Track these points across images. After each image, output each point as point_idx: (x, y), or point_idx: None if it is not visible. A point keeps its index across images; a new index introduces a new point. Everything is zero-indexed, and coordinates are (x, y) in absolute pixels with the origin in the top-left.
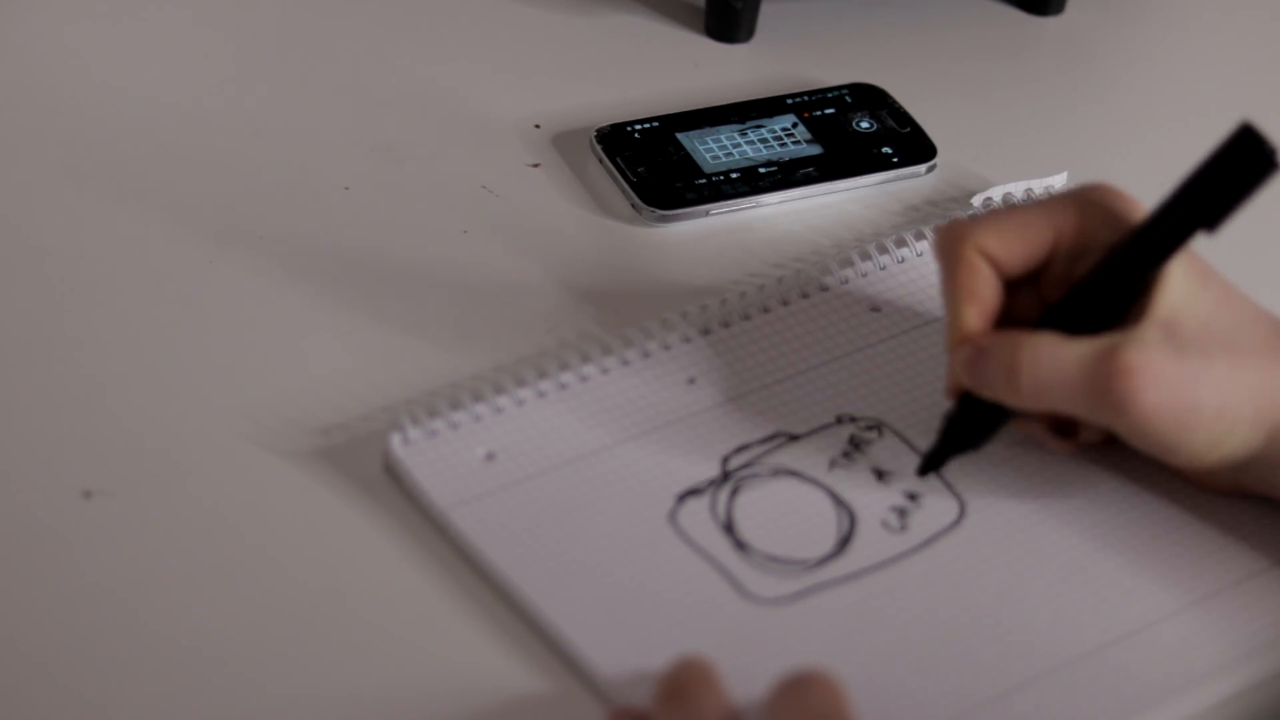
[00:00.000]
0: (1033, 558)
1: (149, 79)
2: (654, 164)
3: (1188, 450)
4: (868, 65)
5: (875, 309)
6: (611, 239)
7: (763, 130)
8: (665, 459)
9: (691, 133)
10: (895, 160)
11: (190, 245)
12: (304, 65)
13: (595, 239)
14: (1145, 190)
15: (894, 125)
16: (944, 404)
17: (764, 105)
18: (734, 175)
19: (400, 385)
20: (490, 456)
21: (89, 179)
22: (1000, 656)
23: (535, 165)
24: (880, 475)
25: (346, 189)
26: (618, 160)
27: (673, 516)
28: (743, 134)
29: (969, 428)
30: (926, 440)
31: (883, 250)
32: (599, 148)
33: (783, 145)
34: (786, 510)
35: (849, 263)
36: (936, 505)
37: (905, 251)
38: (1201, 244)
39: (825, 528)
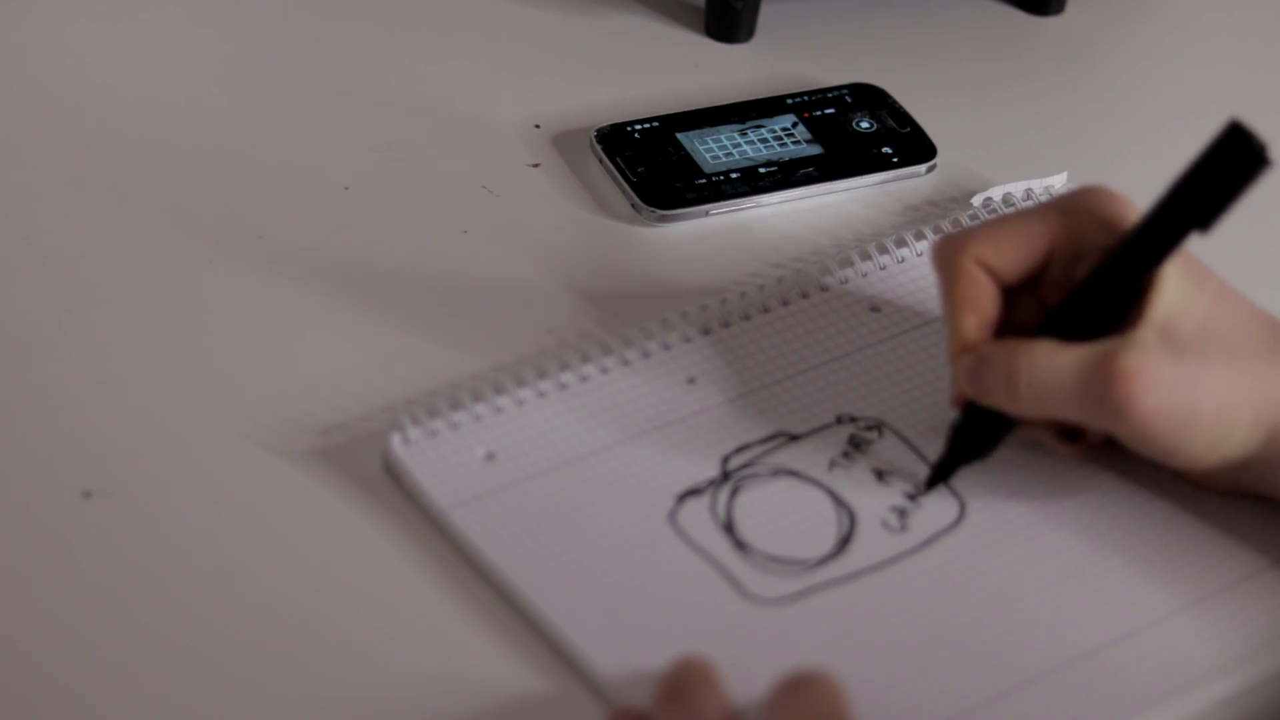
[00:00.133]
0: (1032, 558)
1: (149, 79)
2: (654, 164)
3: (1187, 453)
4: (868, 65)
5: (875, 309)
6: (611, 239)
7: (763, 130)
8: (665, 459)
9: (691, 133)
10: (895, 160)
11: (190, 245)
12: (304, 66)
13: (595, 239)
14: (1145, 190)
15: (894, 125)
16: (944, 403)
17: (764, 105)
18: (734, 175)
19: (400, 385)
20: (490, 456)
21: (89, 179)
22: (1000, 656)
23: (535, 165)
24: (880, 475)
25: (346, 189)
26: (618, 160)
27: (673, 516)
28: (743, 134)
29: (975, 437)
30: (927, 440)
31: (883, 250)
32: (599, 148)
33: (783, 145)
34: (786, 510)
35: (849, 263)
36: (936, 505)
37: (905, 251)
38: (1201, 246)
39: (825, 528)
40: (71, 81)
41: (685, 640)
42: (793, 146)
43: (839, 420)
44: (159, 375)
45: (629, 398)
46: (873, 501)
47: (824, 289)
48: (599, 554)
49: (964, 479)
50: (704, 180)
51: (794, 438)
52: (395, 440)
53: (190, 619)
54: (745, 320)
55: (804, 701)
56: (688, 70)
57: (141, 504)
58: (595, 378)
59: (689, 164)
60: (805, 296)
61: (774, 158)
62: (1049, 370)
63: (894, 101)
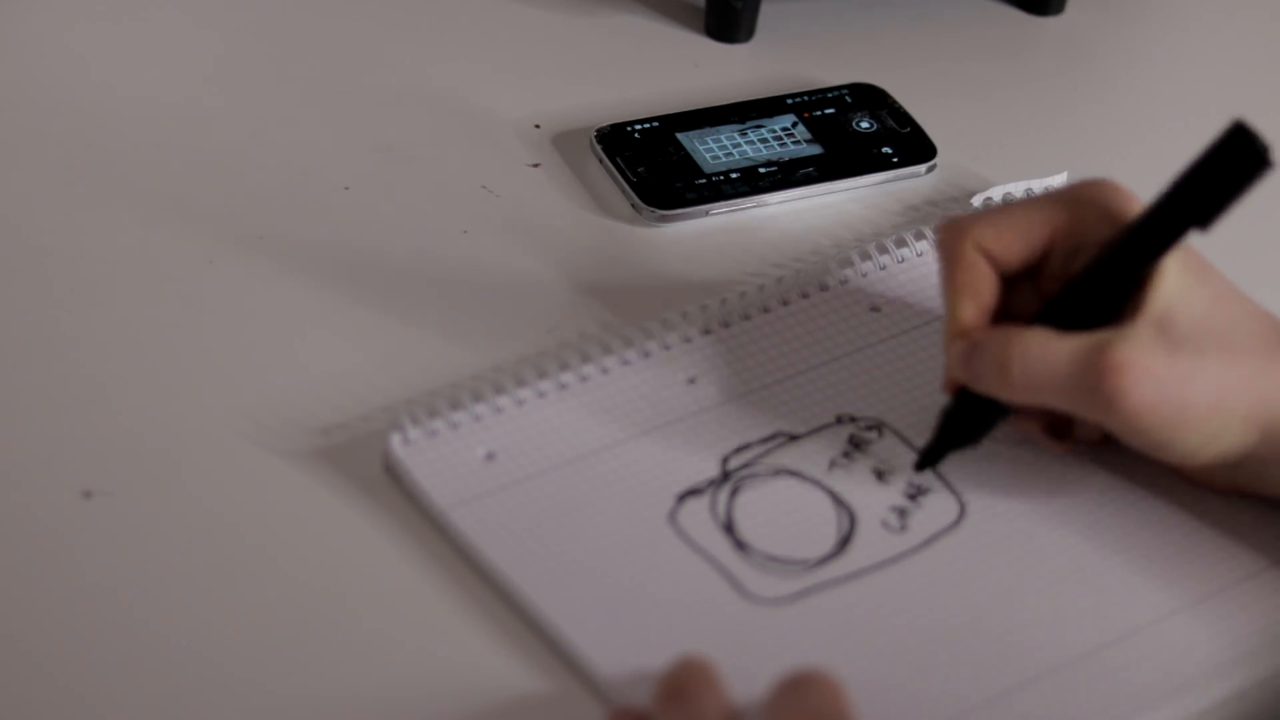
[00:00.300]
0: (1033, 558)
1: (149, 79)
2: (654, 164)
3: (1180, 448)
4: (868, 65)
5: (875, 309)
6: (611, 239)
7: (763, 130)
8: (665, 459)
9: (691, 133)
10: (895, 160)
11: (190, 245)
12: (304, 65)
13: (595, 239)
14: (1145, 190)
15: (894, 125)
16: (944, 403)
17: (764, 105)
18: (734, 175)
19: (400, 385)
20: (490, 456)
21: (89, 179)
22: (1000, 656)
23: (535, 165)
24: (880, 475)
25: (346, 189)
26: (618, 160)
27: (673, 516)
28: (743, 134)
29: (966, 423)
30: (926, 440)
31: (883, 250)
32: (599, 148)
33: (783, 145)
34: (786, 510)
35: (849, 263)
36: (936, 505)
37: (905, 251)
38: (1203, 243)
39: (825, 528)
40: (71, 81)
41: (685, 640)
42: (793, 146)
43: (839, 420)
44: (159, 375)
45: (629, 398)
46: (873, 501)
47: (824, 289)
48: (599, 554)
49: (964, 479)
50: (704, 180)
51: (794, 438)
52: (395, 440)
53: (190, 619)
54: (745, 320)
55: (804, 701)
56: (688, 70)
57: (141, 504)
58: (595, 378)
59: (689, 164)
60: (805, 296)
61: (774, 158)
62: (1042, 358)
63: (894, 101)
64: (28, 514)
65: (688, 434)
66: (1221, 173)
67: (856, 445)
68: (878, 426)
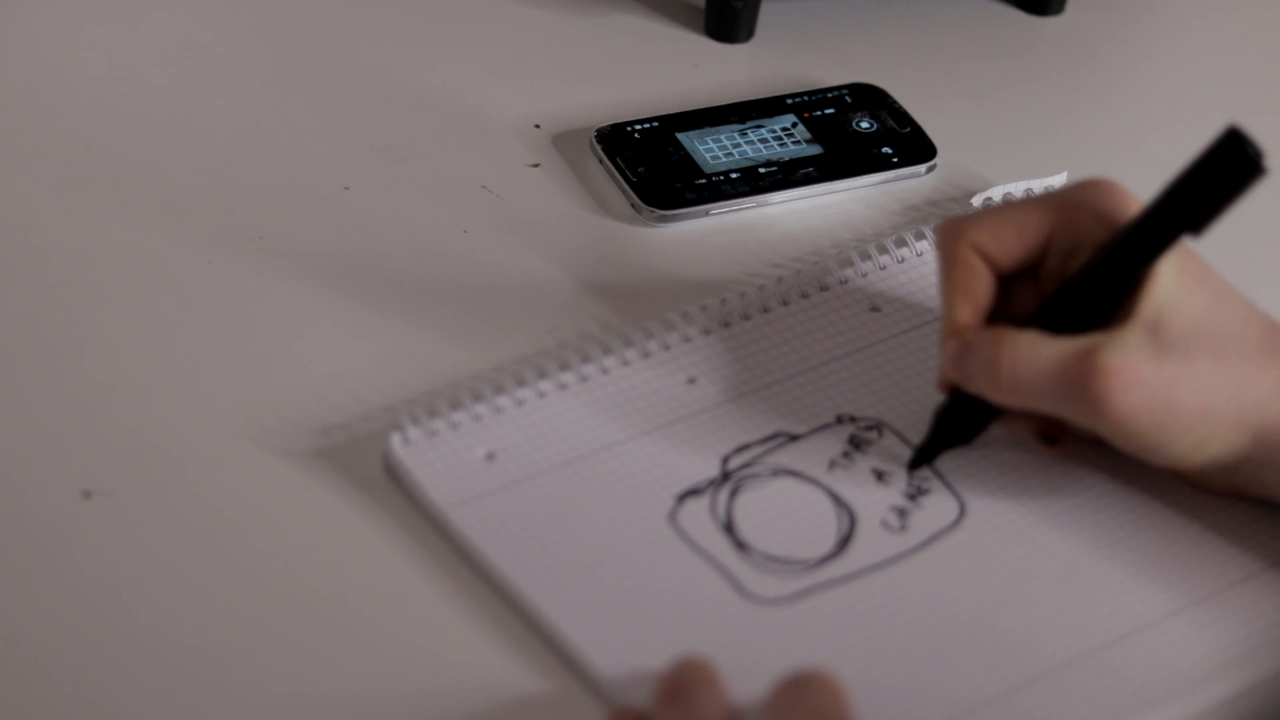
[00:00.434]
0: (1032, 558)
1: (149, 79)
2: (654, 164)
3: (1169, 452)
4: (868, 65)
5: (875, 309)
6: (611, 239)
7: (763, 130)
8: (665, 459)
9: (691, 133)
10: (895, 160)
11: (190, 245)
12: (304, 65)
13: (595, 239)
14: (1144, 191)
15: (894, 125)
16: (939, 402)
17: (764, 105)
18: (734, 175)
19: (400, 385)
20: (490, 456)
21: (89, 179)
22: (1000, 656)
23: (535, 165)
24: (880, 475)
25: (346, 189)
26: (618, 160)
27: (673, 516)
28: (743, 134)
29: (959, 422)
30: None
31: (883, 250)
32: (599, 148)
33: (783, 145)
34: (786, 510)
35: (849, 263)
36: (936, 505)
37: (905, 251)
38: (1205, 243)
39: (825, 528)
40: (72, 81)
41: (685, 640)
42: (793, 146)
43: (839, 420)
44: (159, 375)
45: (629, 398)
46: (873, 501)
47: (824, 289)
48: (599, 554)
49: (964, 479)
50: (704, 180)
51: (794, 438)
52: (395, 440)
53: (190, 619)
54: (745, 320)
55: (804, 701)
56: (688, 70)
57: (141, 504)
58: (595, 378)
59: (689, 164)
60: (805, 296)
61: (774, 158)
62: (1030, 361)
63: (894, 101)
64: (28, 514)
65: (688, 434)
66: (1214, 179)
67: (856, 445)
68: (878, 426)
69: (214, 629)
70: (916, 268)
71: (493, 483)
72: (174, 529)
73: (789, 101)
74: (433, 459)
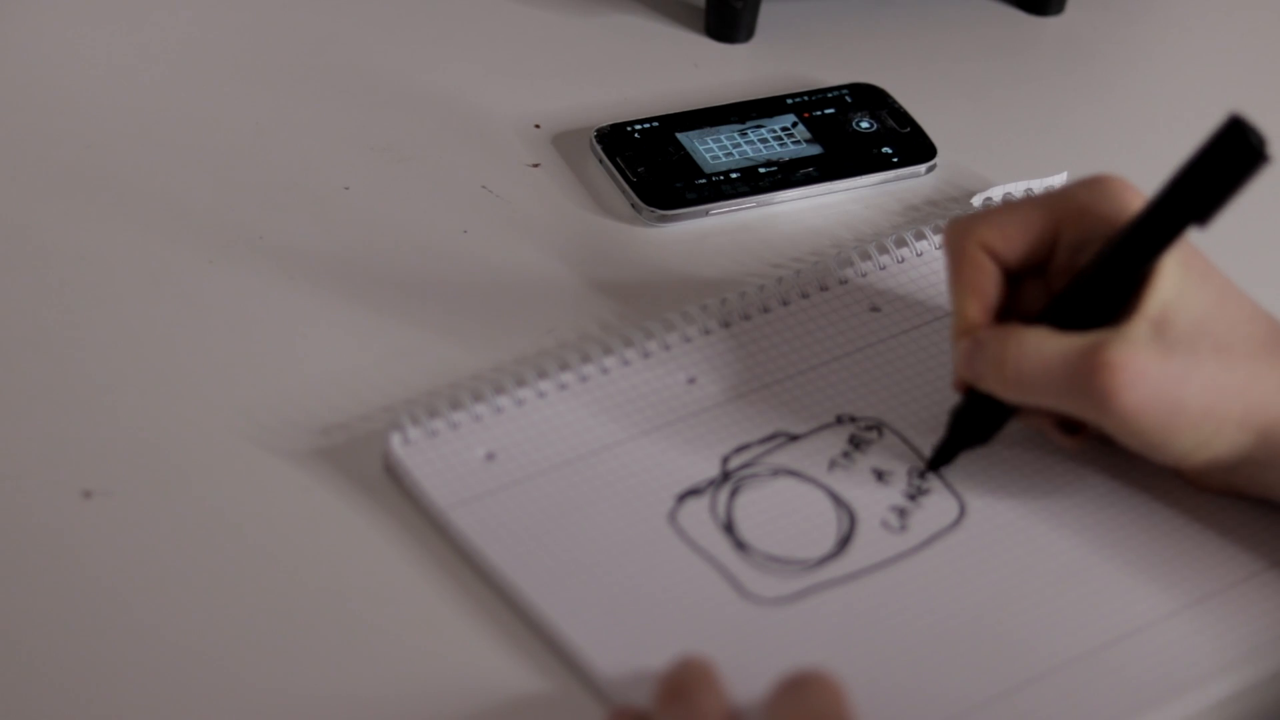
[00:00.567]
0: (1032, 558)
1: (149, 79)
2: (654, 164)
3: (1175, 449)
4: (868, 65)
5: (875, 309)
6: (611, 239)
7: (763, 130)
8: (665, 459)
9: (691, 133)
10: (895, 160)
11: (190, 245)
12: (304, 65)
13: (595, 239)
14: (1146, 190)
15: (894, 125)
16: (944, 403)
17: (764, 105)
18: (734, 175)
19: (400, 385)
20: (490, 456)
21: (89, 179)
22: (1000, 656)
23: (535, 165)
24: (880, 475)
25: (346, 189)
26: (618, 160)
27: (673, 516)
28: (743, 134)
29: (976, 422)
30: (927, 440)
31: (883, 250)
32: (599, 148)
33: (783, 145)
34: (786, 510)
35: (849, 263)
36: (936, 505)
37: (905, 251)
38: (1204, 242)
39: (825, 528)
40: (72, 81)
41: (685, 640)
42: (793, 146)
43: (839, 420)
44: (159, 375)
45: (629, 398)
46: (873, 501)
47: (824, 289)
48: (599, 554)
49: (964, 479)
50: (704, 180)
51: (794, 438)
52: (395, 440)
53: (190, 619)
54: (745, 320)
55: (804, 701)
56: (688, 70)
57: (141, 504)
58: (595, 378)
59: (689, 164)
60: (805, 296)
61: (774, 158)
62: (1036, 357)
63: (894, 101)
64: (28, 514)
65: (688, 434)
66: (1218, 168)
67: (856, 445)
68: (878, 426)
69: (214, 629)
70: (916, 268)
71: (493, 483)
72: (174, 529)
73: (789, 101)
74: (433, 459)
